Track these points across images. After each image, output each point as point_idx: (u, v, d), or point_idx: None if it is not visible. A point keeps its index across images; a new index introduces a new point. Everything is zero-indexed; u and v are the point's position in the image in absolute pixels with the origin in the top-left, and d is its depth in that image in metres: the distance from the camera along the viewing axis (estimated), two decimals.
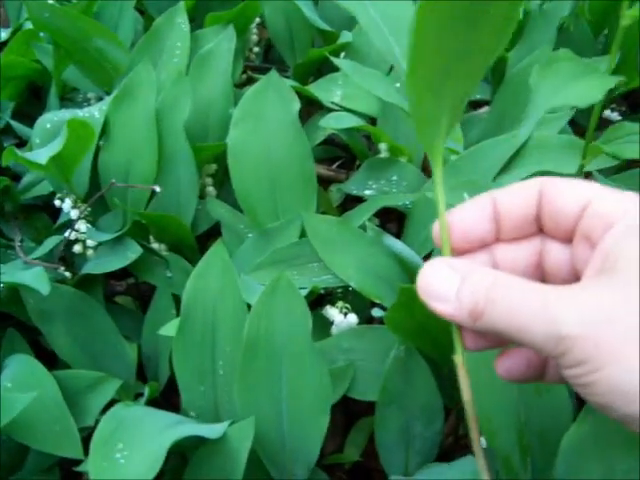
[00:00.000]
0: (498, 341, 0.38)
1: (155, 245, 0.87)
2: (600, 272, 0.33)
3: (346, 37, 1.05)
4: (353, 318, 0.73)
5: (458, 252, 0.38)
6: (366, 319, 0.76)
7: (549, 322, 0.31)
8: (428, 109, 0.32)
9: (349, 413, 0.80)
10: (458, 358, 0.38)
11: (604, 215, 0.34)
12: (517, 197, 0.37)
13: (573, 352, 0.31)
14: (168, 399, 0.78)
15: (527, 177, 0.76)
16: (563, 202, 0.36)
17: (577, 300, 0.31)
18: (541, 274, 0.39)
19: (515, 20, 0.29)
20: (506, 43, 0.30)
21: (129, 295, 0.94)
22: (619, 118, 1.03)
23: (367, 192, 0.87)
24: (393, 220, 0.97)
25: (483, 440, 0.63)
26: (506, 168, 0.75)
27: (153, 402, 0.74)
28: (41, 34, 1.06)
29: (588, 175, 0.80)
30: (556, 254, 0.37)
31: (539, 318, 0.31)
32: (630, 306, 0.30)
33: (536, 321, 0.31)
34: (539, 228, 0.38)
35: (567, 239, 0.37)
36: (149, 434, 0.56)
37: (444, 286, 0.35)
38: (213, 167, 0.94)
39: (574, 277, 0.36)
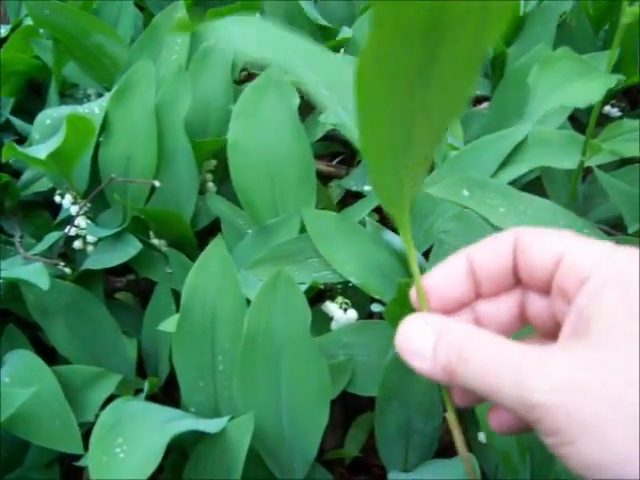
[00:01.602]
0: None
1: (155, 241, 0.87)
2: (574, 333, 0.32)
3: (346, 33, 1.05)
4: (353, 313, 0.73)
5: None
6: (366, 314, 0.76)
7: (520, 387, 0.30)
8: (389, 177, 0.30)
9: (349, 409, 0.80)
10: (450, 416, 0.37)
11: (578, 269, 0.32)
12: (492, 252, 0.36)
13: (546, 421, 0.29)
14: (168, 394, 0.78)
15: (527, 172, 0.76)
16: (537, 256, 0.35)
17: (548, 364, 0.30)
18: (524, 325, 0.38)
19: (476, 71, 0.25)
20: (471, 94, 0.28)
21: (129, 291, 0.94)
22: (619, 114, 1.03)
23: (367, 188, 0.87)
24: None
25: (483, 436, 0.63)
26: (506, 164, 0.75)
27: (153, 397, 0.74)
28: (41, 30, 1.06)
29: (588, 170, 0.81)
30: (537, 305, 0.36)
31: (510, 381, 0.30)
32: (602, 374, 0.29)
33: (507, 384, 0.30)
34: (517, 280, 0.37)
35: (545, 291, 0.35)
36: (149, 429, 0.56)
37: (420, 343, 0.34)
38: (213, 163, 0.94)
39: (558, 327, 0.35)
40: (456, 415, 0.38)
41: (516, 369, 0.30)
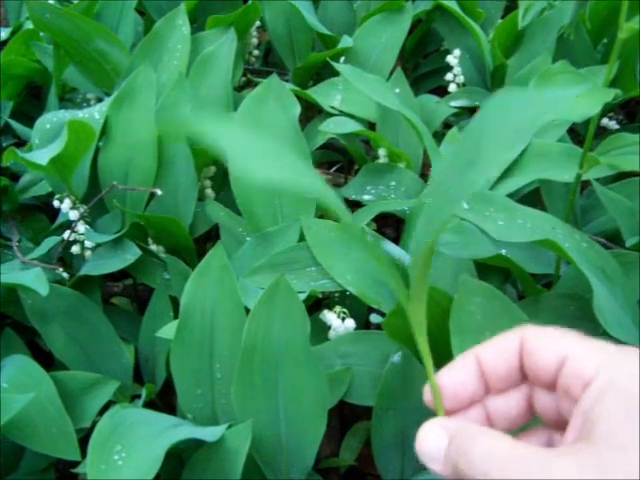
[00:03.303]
0: None
1: (153, 247, 0.87)
2: (579, 436, 0.33)
3: (346, 42, 1.05)
4: (351, 323, 0.73)
5: (451, 412, 0.39)
6: (364, 324, 0.76)
7: None
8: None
9: (344, 417, 0.80)
10: None
11: (580, 373, 0.34)
12: (499, 352, 0.39)
13: None
14: (164, 400, 0.78)
15: (526, 185, 0.76)
16: (542, 358, 0.37)
17: (556, 467, 0.31)
18: (533, 417, 0.40)
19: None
20: None
21: (126, 296, 0.94)
22: (617, 127, 1.04)
23: (365, 197, 0.87)
24: (391, 225, 0.97)
25: None
26: (505, 176, 0.76)
27: (150, 403, 0.74)
28: (41, 34, 1.06)
29: (587, 183, 0.81)
30: (544, 400, 0.38)
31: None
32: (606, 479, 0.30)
33: None
34: (525, 376, 0.39)
35: (551, 387, 0.37)
36: (147, 436, 0.57)
37: (434, 447, 0.37)
38: (212, 170, 0.94)
39: (563, 420, 0.37)
40: None
41: (523, 469, 0.32)
